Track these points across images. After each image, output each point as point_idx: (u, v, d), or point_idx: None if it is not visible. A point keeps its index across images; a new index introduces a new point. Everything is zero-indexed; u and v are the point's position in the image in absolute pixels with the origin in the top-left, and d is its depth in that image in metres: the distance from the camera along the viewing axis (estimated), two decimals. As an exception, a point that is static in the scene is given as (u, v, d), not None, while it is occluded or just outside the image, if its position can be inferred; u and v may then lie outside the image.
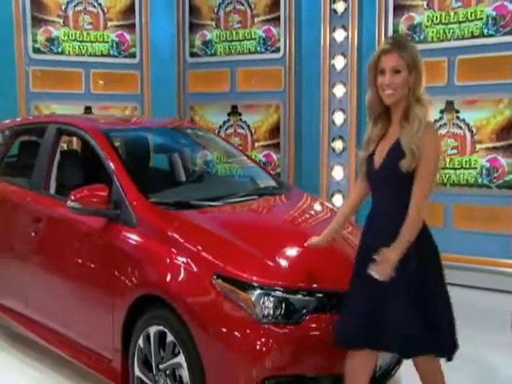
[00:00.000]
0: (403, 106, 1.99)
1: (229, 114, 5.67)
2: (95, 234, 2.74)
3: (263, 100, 5.49)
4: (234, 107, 5.64)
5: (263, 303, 2.18)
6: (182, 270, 2.34)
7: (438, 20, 4.74)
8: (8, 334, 3.55)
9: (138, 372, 2.49)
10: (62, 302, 2.94)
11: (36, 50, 5.36)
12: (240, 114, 5.63)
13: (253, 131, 5.59)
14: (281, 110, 5.41)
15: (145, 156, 3.56)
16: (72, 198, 2.66)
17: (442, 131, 4.78)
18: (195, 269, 2.32)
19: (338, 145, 5.16)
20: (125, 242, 2.58)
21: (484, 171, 4.63)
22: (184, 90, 5.84)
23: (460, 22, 4.65)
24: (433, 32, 4.76)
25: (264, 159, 5.52)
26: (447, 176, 4.80)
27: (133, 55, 5.71)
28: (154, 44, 5.74)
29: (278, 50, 5.40)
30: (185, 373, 2.28)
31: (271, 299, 2.18)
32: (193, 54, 5.82)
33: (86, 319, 2.80)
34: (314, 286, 2.28)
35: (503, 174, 4.57)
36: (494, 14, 4.49)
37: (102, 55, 5.61)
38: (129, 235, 2.58)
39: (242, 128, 5.62)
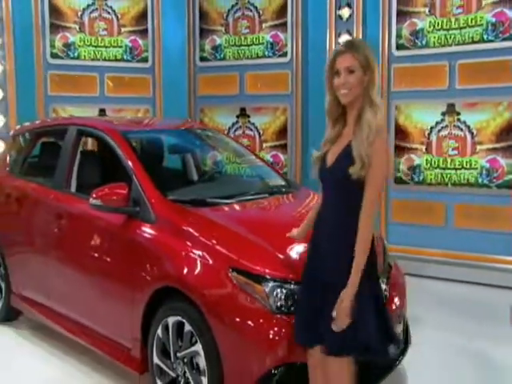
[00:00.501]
0: (357, 107, 1.97)
1: (237, 116, 5.75)
2: (115, 230, 2.81)
3: (271, 103, 5.56)
4: (243, 109, 5.72)
5: (276, 295, 2.25)
6: (200, 263, 2.42)
7: (440, 26, 4.80)
8: (32, 326, 3.64)
9: (156, 360, 2.57)
10: (83, 294, 3.02)
11: (54, 55, 5.46)
12: (248, 116, 5.70)
13: (261, 132, 5.66)
14: (288, 113, 5.48)
15: (160, 156, 3.64)
16: (94, 195, 2.74)
17: (444, 133, 4.84)
18: (212, 262, 2.39)
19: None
20: (144, 238, 2.66)
21: (484, 171, 4.68)
22: (194, 92, 5.92)
23: (461, 28, 4.71)
24: (434, 37, 4.82)
25: (271, 159, 5.59)
26: (448, 176, 4.86)
27: (145, 60, 5.79)
28: (165, 49, 5.82)
29: (285, 54, 5.47)
30: (202, 360, 2.35)
31: (284, 291, 2.25)
32: (203, 59, 5.89)
33: (107, 311, 2.87)
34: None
35: (502, 174, 4.62)
36: (493, 20, 4.55)
37: (116, 60, 5.70)
38: (148, 231, 2.66)
39: (251, 129, 5.70)
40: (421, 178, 4.97)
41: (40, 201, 3.40)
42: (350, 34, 5.15)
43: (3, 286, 3.65)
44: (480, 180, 4.71)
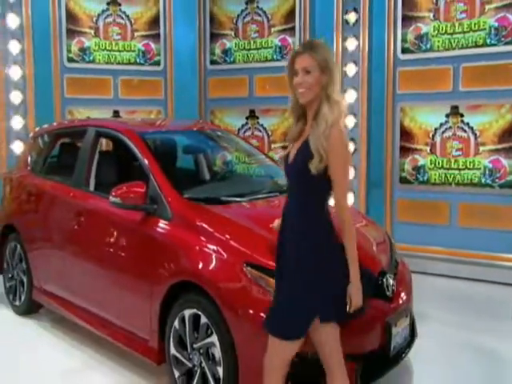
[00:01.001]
0: (316, 105, 1.97)
1: (247, 118, 5.82)
2: (133, 227, 2.88)
3: (279, 104, 5.57)
4: (252, 111, 5.78)
5: (289, 289, 2.31)
6: (215, 258, 2.48)
7: (444, 30, 4.85)
8: (53, 318, 3.73)
9: (173, 351, 2.63)
10: (102, 288, 3.09)
11: (70, 59, 5.54)
12: (257, 118, 5.77)
13: (269, 133, 5.73)
14: (296, 114, 5.54)
15: (175, 156, 3.70)
16: (113, 194, 2.81)
17: (448, 134, 4.88)
18: (227, 257, 2.46)
19: (350, 147, 5.28)
20: (161, 234, 2.73)
21: (487, 171, 4.72)
22: (205, 95, 6.00)
23: (464, 32, 4.76)
24: (439, 41, 4.87)
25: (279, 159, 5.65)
26: (452, 176, 4.90)
27: (157, 63, 5.87)
28: (177, 52, 5.90)
29: (293, 58, 5.52)
30: (217, 351, 2.41)
31: (296, 285, 2.32)
32: (213, 62, 5.97)
33: (125, 304, 2.94)
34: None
35: (505, 174, 4.66)
36: (496, 24, 4.59)
37: (130, 63, 5.78)
38: (165, 227, 2.72)
39: (259, 131, 5.77)
40: (425, 177, 5.02)
41: (60, 198, 3.48)
42: (357, 38, 5.20)
43: (25, 280, 3.74)
44: (483, 180, 4.75)
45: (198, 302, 2.50)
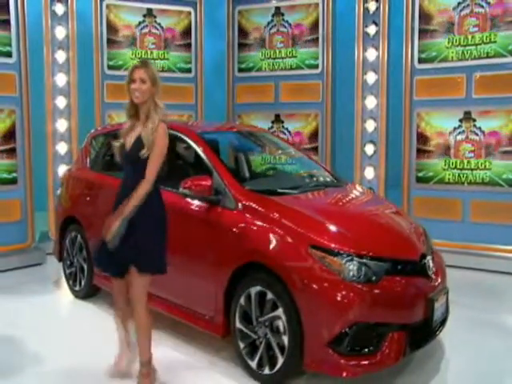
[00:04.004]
0: (147, 107, 2.58)
1: (272, 122, 6.07)
2: (200, 217, 3.11)
3: (303, 110, 5.88)
4: (277, 116, 6.04)
5: (349, 267, 2.58)
6: (282, 242, 2.73)
7: (458, 42, 5.15)
8: (111, 301, 3.80)
9: (238, 324, 2.87)
10: (172, 273, 3.27)
11: (110, 67, 5.79)
12: (282, 122, 6.03)
13: (294, 136, 5.99)
14: (319, 119, 5.81)
15: (226, 153, 3.94)
16: (183, 186, 3.06)
17: (461, 137, 5.17)
18: (293, 240, 2.71)
19: (370, 149, 5.55)
20: (228, 221, 2.96)
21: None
22: (233, 100, 6.24)
23: (476, 45, 5.06)
24: (453, 52, 5.17)
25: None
26: (465, 176, 5.18)
27: (189, 70, 6.13)
28: (207, 61, 6.16)
29: (317, 66, 5.80)
30: (282, 323, 2.65)
31: (355, 264, 2.59)
32: (241, 70, 6.23)
33: (191, 285, 3.16)
34: (386, 254, 2.70)
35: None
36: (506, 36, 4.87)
37: (163, 70, 6.03)
38: (232, 216, 2.96)
39: (284, 134, 6.02)
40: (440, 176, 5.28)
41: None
42: (376, 49, 5.49)
43: (85, 267, 3.96)
44: (494, 178, 4.99)
45: (264, 280, 2.74)
